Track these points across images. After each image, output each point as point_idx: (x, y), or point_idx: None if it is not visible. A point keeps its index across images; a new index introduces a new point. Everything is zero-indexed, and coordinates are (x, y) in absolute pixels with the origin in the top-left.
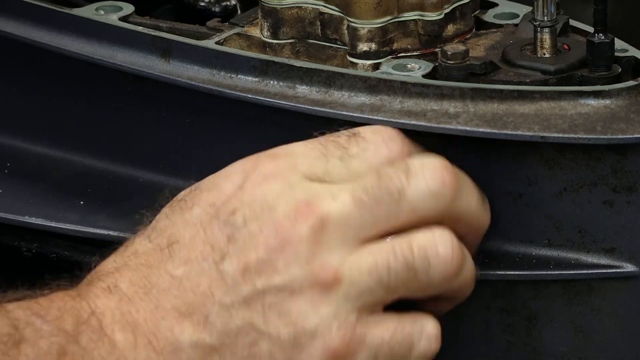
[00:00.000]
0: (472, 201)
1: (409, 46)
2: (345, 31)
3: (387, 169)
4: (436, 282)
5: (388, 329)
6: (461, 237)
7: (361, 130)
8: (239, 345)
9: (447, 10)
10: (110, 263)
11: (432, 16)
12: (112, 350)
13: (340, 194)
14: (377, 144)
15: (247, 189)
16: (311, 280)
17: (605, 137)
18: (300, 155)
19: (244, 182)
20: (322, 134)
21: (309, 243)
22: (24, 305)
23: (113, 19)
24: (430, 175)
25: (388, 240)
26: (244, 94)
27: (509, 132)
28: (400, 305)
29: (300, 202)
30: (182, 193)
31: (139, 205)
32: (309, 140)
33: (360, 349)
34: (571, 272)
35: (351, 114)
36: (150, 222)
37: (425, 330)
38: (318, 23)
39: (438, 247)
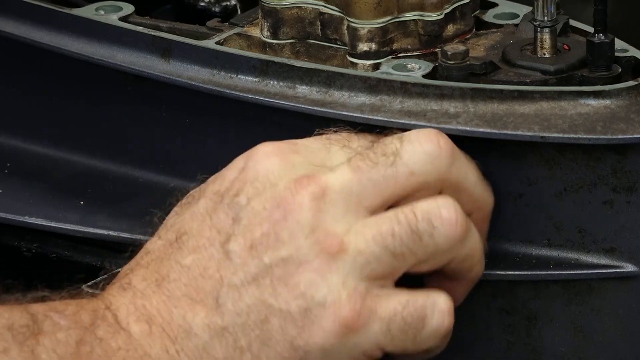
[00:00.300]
0: (470, 170)
1: (409, 46)
2: (345, 31)
3: (382, 140)
4: (442, 246)
5: (400, 302)
6: (466, 213)
7: (363, 131)
8: (251, 323)
9: (447, 11)
10: (125, 267)
11: (432, 16)
12: (129, 340)
13: (338, 167)
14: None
15: (249, 168)
16: (317, 249)
17: (605, 137)
18: (302, 144)
19: (246, 164)
20: (321, 131)
21: (311, 211)
22: (42, 303)
23: (113, 19)
24: (424, 139)
25: (391, 210)
26: (244, 94)
27: (509, 132)
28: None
29: (300, 176)
30: (191, 192)
31: (138, 205)
32: (313, 137)
33: (372, 320)
34: (571, 272)
35: (351, 114)
36: (161, 222)
37: (438, 304)
38: (318, 23)
39: (441, 210)
